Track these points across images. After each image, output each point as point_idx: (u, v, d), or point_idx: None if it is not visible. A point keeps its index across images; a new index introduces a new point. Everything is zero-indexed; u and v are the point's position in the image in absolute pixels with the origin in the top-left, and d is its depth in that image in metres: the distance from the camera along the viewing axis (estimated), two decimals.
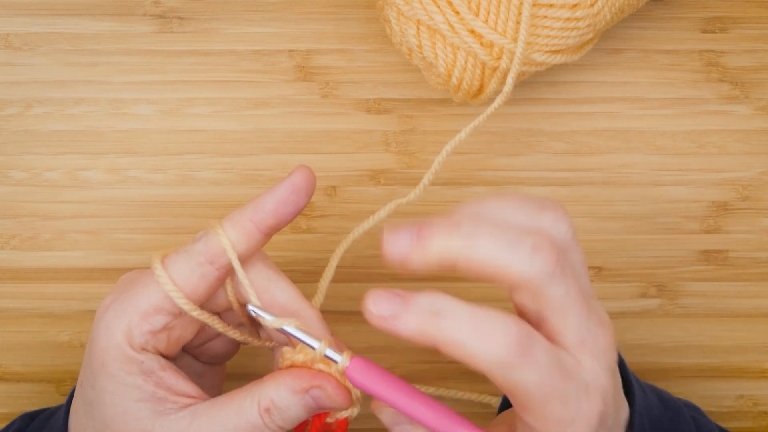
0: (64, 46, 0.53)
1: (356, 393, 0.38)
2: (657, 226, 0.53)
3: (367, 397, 0.38)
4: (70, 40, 0.53)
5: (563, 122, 0.53)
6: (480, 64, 0.47)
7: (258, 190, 0.52)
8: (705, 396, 0.52)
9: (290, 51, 0.53)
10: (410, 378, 0.51)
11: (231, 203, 0.52)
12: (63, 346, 0.52)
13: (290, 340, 0.39)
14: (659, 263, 0.53)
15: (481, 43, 0.46)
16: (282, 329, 0.38)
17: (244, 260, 0.39)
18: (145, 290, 0.38)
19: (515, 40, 0.45)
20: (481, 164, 0.53)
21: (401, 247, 0.34)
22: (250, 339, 0.42)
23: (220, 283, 0.39)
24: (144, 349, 0.38)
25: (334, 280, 0.43)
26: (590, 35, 0.48)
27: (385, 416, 0.38)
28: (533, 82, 0.53)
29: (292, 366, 0.38)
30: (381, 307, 0.33)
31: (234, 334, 0.41)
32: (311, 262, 0.52)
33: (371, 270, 0.52)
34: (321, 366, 0.38)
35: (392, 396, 0.36)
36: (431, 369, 0.52)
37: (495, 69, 0.47)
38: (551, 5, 0.46)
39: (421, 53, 0.47)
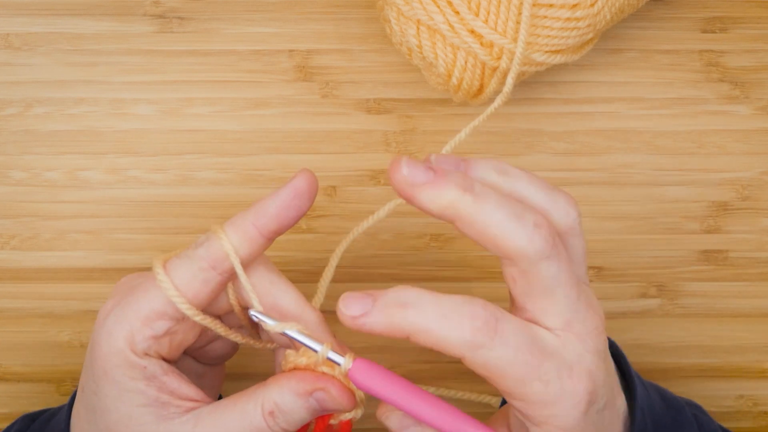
0: (64, 46, 0.53)
1: (360, 395, 0.38)
2: (657, 226, 0.53)
3: (371, 399, 0.38)
4: (70, 40, 0.53)
5: (563, 122, 0.53)
6: (480, 64, 0.47)
7: (258, 190, 0.52)
8: (705, 396, 0.52)
9: (290, 51, 0.53)
10: (410, 378, 0.51)
11: (231, 203, 0.52)
12: (63, 346, 0.52)
13: (293, 343, 0.39)
14: (659, 263, 0.53)
15: (481, 43, 0.46)
16: (284, 333, 0.38)
17: (247, 265, 0.39)
18: (146, 295, 0.38)
19: (515, 40, 0.45)
20: None
21: (413, 180, 0.34)
22: (251, 341, 0.42)
23: (222, 287, 0.39)
24: (146, 354, 0.38)
25: (334, 280, 0.43)
26: (590, 35, 0.48)
27: (392, 421, 0.38)
28: (533, 82, 0.53)
29: (295, 369, 0.38)
30: (351, 307, 0.34)
31: (236, 337, 0.41)
32: (311, 262, 0.52)
33: (371, 270, 0.52)
34: (324, 369, 0.38)
35: (396, 396, 0.36)
36: (431, 369, 0.52)
37: (495, 69, 0.47)
38: (551, 5, 0.46)
39: (421, 53, 0.47)
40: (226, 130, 0.53)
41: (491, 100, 0.47)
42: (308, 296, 0.41)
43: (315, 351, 0.37)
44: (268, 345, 0.42)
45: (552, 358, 0.34)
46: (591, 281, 0.52)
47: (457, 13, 0.45)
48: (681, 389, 0.52)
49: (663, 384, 0.49)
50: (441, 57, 0.47)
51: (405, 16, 0.47)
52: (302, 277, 0.51)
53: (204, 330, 0.41)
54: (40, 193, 0.52)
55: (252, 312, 0.39)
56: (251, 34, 0.53)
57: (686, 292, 0.53)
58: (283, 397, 0.37)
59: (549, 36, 0.46)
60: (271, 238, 0.39)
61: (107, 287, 0.52)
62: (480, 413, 0.51)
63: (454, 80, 0.47)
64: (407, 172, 0.34)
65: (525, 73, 0.49)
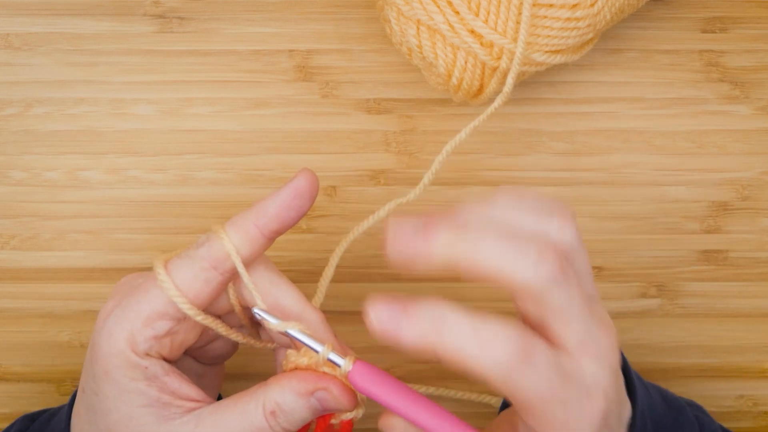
0: (64, 46, 0.53)
1: (361, 395, 0.38)
2: (657, 226, 0.53)
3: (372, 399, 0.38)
4: (70, 40, 0.53)
5: (563, 122, 0.53)
6: (480, 64, 0.47)
7: (258, 190, 0.52)
8: (705, 396, 0.52)
9: (290, 51, 0.53)
10: (410, 378, 0.51)
11: (231, 203, 0.52)
12: (63, 346, 0.52)
13: (293, 343, 0.39)
14: (659, 263, 0.53)
15: (481, 43, 0.46)
16: (286, 333, 0.38)
17: (247, 264, 0.39)
18: (147, 296, 0.38)
19: (515, 40, 0.45)
20: (481, 164, 0.53)
21: (405, 248, 0.34)
22: (251, 341, 0.42)
23: (223, 287, 0.39)
24: (147, 354, 0.38)
25: (335, 280, 0.43)
26: (590, 35, 0.48)
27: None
28: (533, 82, 0.53)
29: (296, 369, 0.38)
30: (382, 317, 0.33)
31: (237, 337, 0.41)
32: (311, 262, 0.52)
33: (371, 270, 0.52)
34: (325, 369, 0.38)
35: (394, 401, 0.36)
36: (431, 369, 0.52)
37: (495, 69, 0.47)
38: (551, 5, 0.46)
39: (421, 53, 0.47)
40: (226, 130, 0.53)
41: (491, 100, 0.47)
42: (308, 296, 0.41)
43: (316, 351, 0.37)
44: (269, 345, 0.42)
45: (573, 383, 0.33)
46: None
47: (457, 13, 0.45)
48: (681, 389, 0.52)
49: (663, 384, 0.49)
50: (441, 57, 0.47)
51: (405, 16, 0.47)
52: (302, 277, 0.51)
53: (205, 330, 0.41)
54: (40, 193, 0.52)
55: (255, 310, 0.39)
56: (251, 34, 0.53)
57: (686, 292, 0.53)
58: (284, 396, 0.37)
59: (549, 36, 0.46)
60: (272, 238, 0.39)
61: (107, 287, 0.52)
62: (480, 413, 0.51)
63: (454, 80, 0.47)
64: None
65: (525, 73, 0.49)
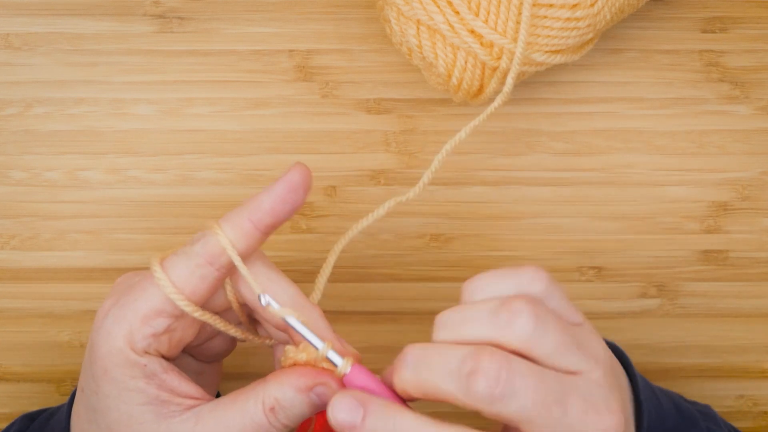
0: (64, 46, 0.53)
1: None
2: (657, 226, 0.53)
3: None
4: (70, 40, 0.53)
5: (563, 122, 0.53)
6: (480, 64, 0.47)
7: (258, 191, 0.52)
8: (705, 396, 0.52)
9: (290, 51, 0.53)
10: None
11: (231, 203, 0.52)
12: (63, 346, 0.52)
13: (292, 339, 0.39)
14: (659, 263, 0.53)
15: (481, 43, 0.46)
16: (287, 323, 0.38)
17: (244, 260, 0.39)
18: (144, 293, 0.38)
19: (515, 40, 0.45)
20: (481, 164, 0.53)
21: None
22: (249, 337, 0.42)
23: (219, 283, 0.39)
24: (146, 352, 0.38)
25: (335, 280, 0.43)
26: (590, 35, 0.48)
27: None
28: (533, 82, 0.53)
29: (294, 365, 0.38)
30: (339, 415, 0.34)
31: (235, 332, 0.41)
32: (311, 262, 0.52)
33: (371, 270, 0.52)
34: (324, 365, 0.38)
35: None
36: None
37: (495, 69, 0.47)
38: (551, 5, 0.46)
39: (421, 53, 0.47)
40: (226, 130, 0.53)
41: (491, 100, 0.47)
42: (308, 296, 0.41)
43: (316, 348, 0.37)
44: (266, 341, 0.42)
45: (570, 397, 0.33)
46: (591, 281, 0.52)
47: (457, 13, 0.45)
48: (681, 389, 0.52)
49: (663, 384, 0.49)
50: (441, 57, 0.47)
51: (405, 16, 0.47)
52: (302, 277, 0.51)
53: (203, 327, 0.41)
54: (40, 193, 0.52)
55: (261, 295, 0.39)
56: (251, 34, 0.53)
57: (686, 292, 0.53)
58: (283, 392, 0.37)
59: (549, 36, 0.46)
60: (267, 233, 0.39)
61: (107, 287, 0.51)
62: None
63: (454, 80, 0.47)
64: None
65: (525, 73, 0.49)
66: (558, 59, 0.48)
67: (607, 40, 0.53)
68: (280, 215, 0.39)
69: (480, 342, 0.34)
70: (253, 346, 0.49)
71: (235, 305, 0.41)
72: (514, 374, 0.33)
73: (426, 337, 0.36)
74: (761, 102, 0.53)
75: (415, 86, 0.53)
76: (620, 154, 0.53)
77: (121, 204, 0.52)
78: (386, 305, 0.52)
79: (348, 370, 0.37)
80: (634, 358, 0.52)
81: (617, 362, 0.38)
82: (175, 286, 0.38)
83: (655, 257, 0.53)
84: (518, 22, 0.45)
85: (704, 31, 0.54)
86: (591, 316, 0.51)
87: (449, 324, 0.35)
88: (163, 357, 0.39)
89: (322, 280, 0.42)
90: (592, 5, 0.46)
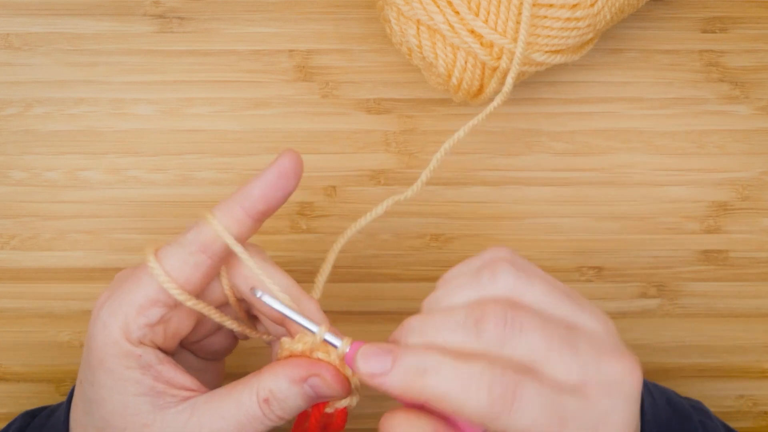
0: (64, 46, 0.53)
1: (355, 381, 0.38)
2: (657, 226, 0.53)
3: (366, 387, 0.38)
4: (70, 40, 0.53)
5: (563, 122, 0.53)
6: (480, 64, 0.47)
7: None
8: (705, 396, 0.52)
9: (290, 51, 0.53)
10: None
11: None
12: (63, 346, 0.52)
13: (289, 333, 0.39)
14: (659, 263, 0.53)
15: (481, 43, 0.46)
16: (283, 313, 0.38)
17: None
18: (139, 284, 0.38)
19: (515, 40, 0.45)
20: (481, 164, 0.53)
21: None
22: (246, 329, 0.42)
23: (214, 272, 0.39)
24: (141, 342, 0.38)
25: (335, 280, 0.43)
26: (590, 35, 0.48)
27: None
28: (533, 82, 0.53)
29: (290, 356, 0.38)
30: (370, 364, 0.34)
31: (231, 324, 0.41)
32: (311, 262, 0.52)
33: (371, 270, 0.52)
34: (320, 354, 0.38)
35: None
36: None
37: (495, 69, 0.47)
38: (551, 5, 0.46)
39: (421, 53, 0.47)
40: (226, 130, 0.53)
41: (491, 100, 0.47)
42: None
43: (312, 332, 0.37)
44: (264, 336, 0.42)
45: (573, 421, 0.33)
46: (591, 281, 0.52)
47: (457, 13, 0.45)
48: (681, 389, 0.52)
49: (663, 384, 0.49)
50: (441, 57, 0.47)
51: (405, 16, 0.47)
52: (302, 277, 0.51)
53: (200, 321, 0.41)
54: (40, 193, 0.52)
55: (257, 289, 0.39)
56: (251, 34, 0.53)
57: (686, 292, 0.53)
58: (278, 384, 0.37)
59: (549, 36, 0.46)
60: (259, 219, 0.39)
61: (107, 287, 0.51)
62: None
63: (454, 80, 0.47)
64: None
65: (525, 73, 0.49)
66: (558, 59, 0.48)
67: (607, 40, 0.53)
68: (271, 202, 0.39)
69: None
70: (255, 346, 0.49)
71: (231, 300, 0.41)
72: (519, 314, 0.33)
73: None
74: (761, 102, 0.53)
75: (415, 86, 0.53)
76: (620, 154, 0.53)
77: (121, 204, 0.52)
78: (386, 305, 0.52)
79: (348, 349, 0.37)
80: None
81: (614, 327, 0.38)
82: (168, 275, 0.38)
83: (655, 257, 0.53)
84: (518, 22, 0.45)
85: (704, 31, 0.54)
86: None
87: (434, 302, 0.36)
88: (160, 349, 0.39)
89: (321, 279, 0.42)
90: (592, 5, 0.46)
